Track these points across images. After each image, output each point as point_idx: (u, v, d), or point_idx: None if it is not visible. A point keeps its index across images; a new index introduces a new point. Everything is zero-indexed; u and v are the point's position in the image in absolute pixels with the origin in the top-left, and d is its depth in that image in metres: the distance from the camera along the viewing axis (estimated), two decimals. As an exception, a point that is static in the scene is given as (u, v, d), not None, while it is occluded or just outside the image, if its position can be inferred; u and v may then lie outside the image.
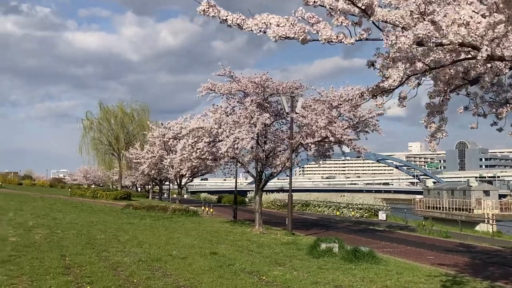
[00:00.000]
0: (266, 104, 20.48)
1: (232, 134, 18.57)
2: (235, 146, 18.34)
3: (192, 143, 19.51)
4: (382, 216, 32.98)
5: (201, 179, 56.08)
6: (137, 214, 29.32)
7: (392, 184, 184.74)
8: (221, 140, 19.50)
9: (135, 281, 9.62)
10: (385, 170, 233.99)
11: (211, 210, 33.46)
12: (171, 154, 40.60)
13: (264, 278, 10.28)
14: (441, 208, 50.52)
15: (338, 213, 37.72)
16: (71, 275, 9.97)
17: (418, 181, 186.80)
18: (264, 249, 15.24)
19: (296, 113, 19.25)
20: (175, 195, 58.06)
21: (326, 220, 33.79)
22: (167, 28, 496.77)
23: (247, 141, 18.07)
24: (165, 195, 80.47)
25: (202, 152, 19.40)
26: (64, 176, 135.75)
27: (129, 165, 51.57)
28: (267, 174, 21.56)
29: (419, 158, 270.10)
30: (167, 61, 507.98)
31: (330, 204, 40.53)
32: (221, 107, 20.34)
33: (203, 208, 35.12)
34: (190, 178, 44.79)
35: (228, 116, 19.91)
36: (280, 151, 20.98)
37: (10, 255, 12.46)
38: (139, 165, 46.86)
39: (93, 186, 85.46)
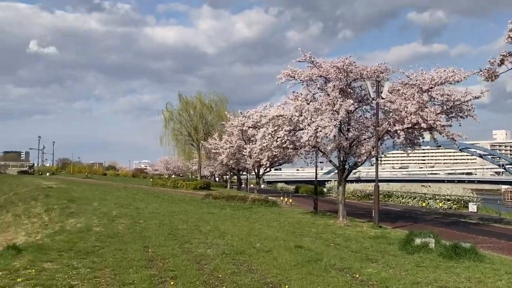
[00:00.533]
0: (349, 89, 19.36)
1: (314, 122, 17.67)
2: (317, 134, 17.45)
3: (272, 131, 18.80)
4: (472, 207, 30.83)
5: (275, 169, 55.24)
6: (217, 204, 29.23)
7: (475, 174, 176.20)
8: (302, 129, 18.67)
9: (219, 276, 9.08)
10: (467, 159, 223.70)
11: (290, 200, 32.81)
12: (249, 143, 40.33)
13: (357, 276, 9.43)
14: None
15: (424, 204, 35.86)
16: (154, 269, 9.59)
17: (504, 170, 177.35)
18: (351, 243, 14.32)
19: (383, 98, 18.05)
20: (252, 185, 58.03)
21: (411, 211, 32.16)
22: (242, 20, 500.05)
23: (329, 129, 17.12)
24: (243, 185, 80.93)
25: (283, 141, 18.65)
26: (145, 166, 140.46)
27: (208, 155, 51.94)
28: (351, 164, 20.49)
29: (505, 146, 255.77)
30: (242, 53, 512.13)
31: (414, 195, 38.58)
32: (301, 94, 19.46)
33: (282, 198, 34.56)
34: (268, 168, 44.37)
35: (309, 103, 19.02)
36: (364, 139, 19.80)
37: (94, 245, 12.38)
38: (218, 155, 46.97)
39: (173, 176, 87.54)
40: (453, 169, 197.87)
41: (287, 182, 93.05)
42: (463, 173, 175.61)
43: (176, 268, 9.64)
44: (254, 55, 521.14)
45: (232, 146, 40.63)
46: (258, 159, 23.73)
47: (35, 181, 42.74)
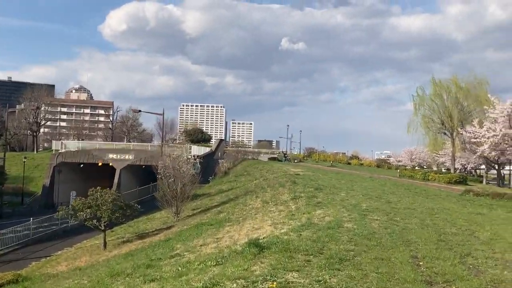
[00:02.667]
0: None
1: None
2: None
3: None
4: None
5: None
6: (481, 202, 24.67)
7: None
8: None
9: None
10: None
11: None
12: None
13: None
14: None
15: None
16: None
17: None
18: None
19: None
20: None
21: None
22: (494, 1, 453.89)
23: None
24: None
25: None
26: (387, 157, 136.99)
27: (463, 146, 46.08)
28: None
29: None
30: (495, 37, 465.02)
31: None
32: None
33: None
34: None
35: None
36: None
37: (348, 249, 9.87)
38: (476, 146, 41.16)
39: (416, 167, 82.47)
40: None
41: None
42: None
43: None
44: (508, 39, 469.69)
45: (496, 135, 34.70)
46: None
47: (283, 168, 43.14)
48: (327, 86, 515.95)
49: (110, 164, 49.90)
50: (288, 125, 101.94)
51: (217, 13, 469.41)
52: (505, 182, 51.70)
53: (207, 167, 45.40)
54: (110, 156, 50.89)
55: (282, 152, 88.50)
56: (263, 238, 12.06)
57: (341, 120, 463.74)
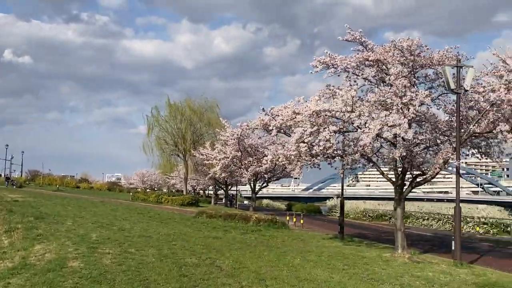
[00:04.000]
0: (413, 79, 14.71)
1: (374, 119, 13.04)
2: (384, 135, 12.79)
3: (314, 131, 14.02)
4: None
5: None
6: (216, 225, 24.26)
7: (451, 193, 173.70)
8: (353, 130, 14.05)
9: None
10: (443, 177, 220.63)
11: (302, 221, 27.94)
12: (247, 155, 35.56)
13: None
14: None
15: (449, 226, 31.10)
16: None
17: (482, 190, 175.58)
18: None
19: (466, 90, 13.54)
20: (245, 202, 53.07)
21: (449, 237, 27.47)
22: (220, 35, 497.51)
23: (403, 129, 12.45)
24: (223, 200, 76.28)
25: (328, 145, 13.87)
26: (119, 179, 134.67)
27: (196, 167, 46.80)
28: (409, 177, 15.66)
29: (480, 166, 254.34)
30: (220, 67, 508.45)
31: (439, 216, 33.61)
32: (355, 84, 14.74)
33: (287, 218, 29.68)
34: (265, 183, 39.63)
35: (359, 98, 14.41)
36: (437, 145, 15.06)
37: (71, 301, 7.39)
38: (207, 168, 42.18)
39: (148, 190, 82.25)
40: (429, 188, 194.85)
41: (271, 198, 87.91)
42: (440, 192, 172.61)
43: None
44: (231, 70, 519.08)
45: (226, 157, 35.72)
46: (291, 168, 18.08)
47: (-1, 193, 37.15)
48: (55, 104, 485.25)
49: None
50: (7, 145, 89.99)
51: None
52: (234, 202, 54.51)
53: None
54: None
55: (5, 176, 78.24)
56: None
57: (71, 141, 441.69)
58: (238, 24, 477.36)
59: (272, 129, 16.21)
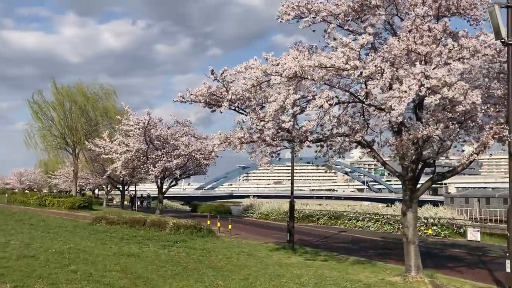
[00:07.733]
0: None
1: (404, 77, 8.54)
2: (428, 100, 8.31)
3: (298, 99, 9.24)
4: (474, 235, 23.22)
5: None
6: (122, 234, 18.63)
7: (336, 191, 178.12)
8: (358, 97, 9.51)
9: None
10: (329, 176, 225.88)
11: (230, 226, 22.92)
12: (154, 148, 30.00)
13: None
14: (474, 219, 41.31)
15: (388, 229, 27.61)
16: None
17: (367, 188, 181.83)
18: None
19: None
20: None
21: (398, 241, 24.03)
22: (109, 30, 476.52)
23: (462, 89, 7.92)
24: (113, 201, 69.46)
25: (334, 117, 9.05)
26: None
27: (90, 163, 39.85)
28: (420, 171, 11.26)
29: (363, 164, 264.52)
30: (108, 63, 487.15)
31: (376, 217, 29.80)
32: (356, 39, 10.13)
33: (209, 222, 24.56)
34: (174, 181, 34.09)
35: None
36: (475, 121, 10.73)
37: None
38: (104, 164, 35.89)
39: (27, 191, 73.07)
40: (317, 186, 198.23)
41: (170, 198, 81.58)
42: (327, 190, 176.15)
43: None
44: (120, 66, 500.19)
45: (129, 150, 29.81)
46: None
47: None
48: None
49: None
50: None
51: None
52: (137, 204, 48.28)
53: None
54: None
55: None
56: None
57: None
58: (128, 20, 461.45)
59: (223, 104, 11.23)
